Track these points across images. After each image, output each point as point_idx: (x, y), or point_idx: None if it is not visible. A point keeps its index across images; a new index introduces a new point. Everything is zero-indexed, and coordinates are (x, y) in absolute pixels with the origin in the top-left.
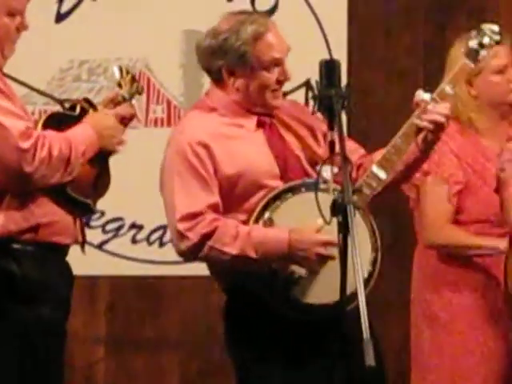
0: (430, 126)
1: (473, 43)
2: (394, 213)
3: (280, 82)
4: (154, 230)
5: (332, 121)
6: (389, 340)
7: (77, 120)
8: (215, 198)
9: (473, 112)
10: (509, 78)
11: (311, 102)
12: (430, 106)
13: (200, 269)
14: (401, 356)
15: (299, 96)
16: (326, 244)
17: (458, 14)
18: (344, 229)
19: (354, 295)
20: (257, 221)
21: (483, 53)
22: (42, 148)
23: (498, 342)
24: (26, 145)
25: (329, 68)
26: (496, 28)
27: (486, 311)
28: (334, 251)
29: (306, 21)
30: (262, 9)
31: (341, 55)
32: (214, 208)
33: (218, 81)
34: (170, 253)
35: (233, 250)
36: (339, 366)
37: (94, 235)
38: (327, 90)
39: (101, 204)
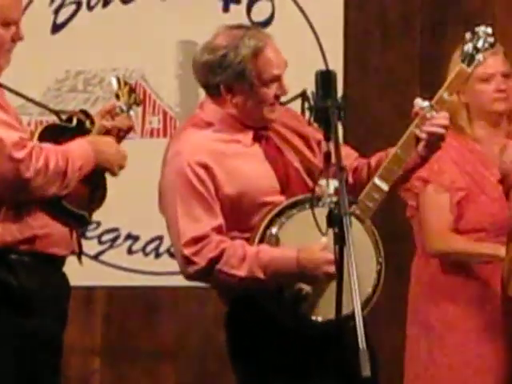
0: (430, 138)
1: (468, 47)
2: (390, 224)
3: (277, 97)
4: (150, 241)
5: (328, 132)
6: (385, 350)
7: (73, 132)
8: (219, 220)
9: (464, 119)
10: (495, 88)
11: (307, 113)
12: (429, 114)
13: None
14: (396, 365)
15: (295, 107)
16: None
17: (454, 24)
18: (340, 240)
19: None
20: (262, 238)
21: (479, 57)
22: (38, 159)
23: (495, 354)
24: (19, 155)
25: (324, 79)
26: (490, 30)
27: (483, 323)
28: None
29: (302, 31)
30: (258, 19)
31: (337, 66)
32: (218, 230)
33: (214, 95)
34: (165, 263)
35: (241, 272)
36: (341, 378)
37: (89, 246)
38: (323, 101)
39: (97, 215)
